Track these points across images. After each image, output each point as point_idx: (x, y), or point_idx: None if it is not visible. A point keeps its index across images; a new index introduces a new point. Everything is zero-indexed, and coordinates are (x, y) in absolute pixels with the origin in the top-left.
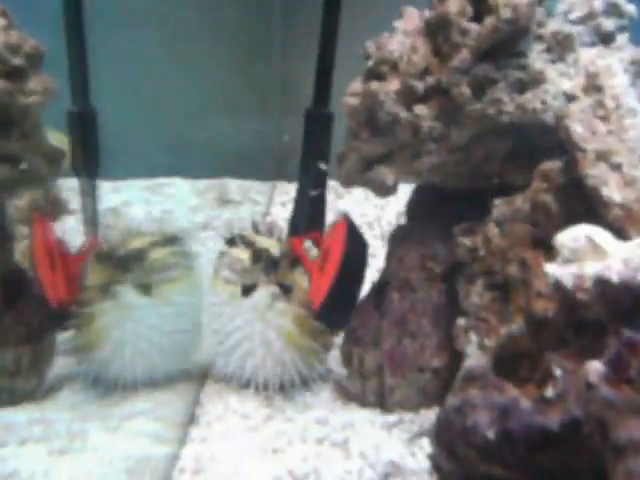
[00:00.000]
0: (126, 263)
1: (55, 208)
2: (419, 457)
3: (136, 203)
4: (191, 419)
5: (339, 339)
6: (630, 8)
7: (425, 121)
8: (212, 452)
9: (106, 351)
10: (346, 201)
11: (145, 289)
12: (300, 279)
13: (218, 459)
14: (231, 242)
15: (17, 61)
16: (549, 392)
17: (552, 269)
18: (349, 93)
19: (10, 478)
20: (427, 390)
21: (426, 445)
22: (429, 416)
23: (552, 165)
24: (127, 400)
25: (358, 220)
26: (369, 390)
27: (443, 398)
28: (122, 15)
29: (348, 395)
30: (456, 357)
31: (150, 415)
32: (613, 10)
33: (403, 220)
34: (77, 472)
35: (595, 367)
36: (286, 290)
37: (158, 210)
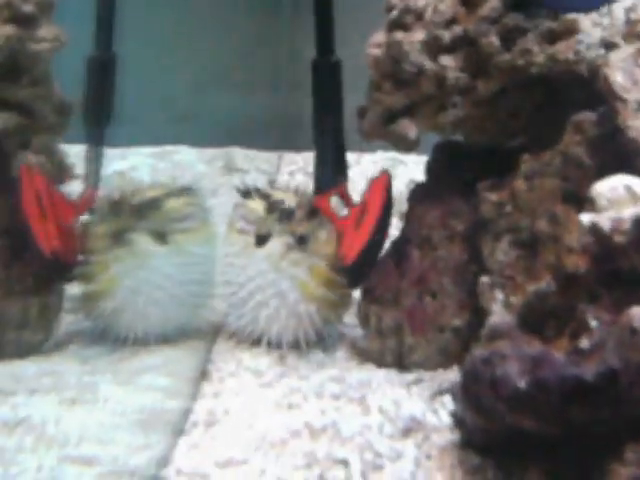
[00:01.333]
0: (141, 211)
1: (61, 172)
2: (441, 414)
3: (142, 168)
4: (202, 375)
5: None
6: None
7: (451, 72)
8: (225, 406)
9: (118, 300)
10: (353, 171)
11: (161, 237)
12: (317, 230)
13: (232, 413)
14: (246, 194)
15: (27, 8)
16: (583, 343)
17: (587, 217)
18: (372, 44)
19: (22, 424)
20: (447, 350)
21: (448, 403)
22: (449, 375)
23: (586, 116)
24: (137, 356)
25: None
26: (387, 349)
27: (464, 358)
28: None
29: (364, 355)
30: (478, 317)
31: (161, 370)
32: None
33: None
34: (89, 422)
35: None
36: (301, 240)
37: (165, 176)
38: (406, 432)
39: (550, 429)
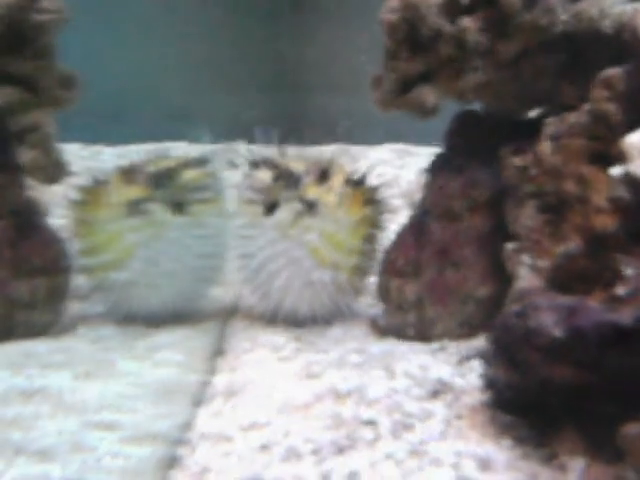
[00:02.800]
0: (157, 180)
1: (56, 170)
2: (469, 377)
3: None
4: (218, 352)
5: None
6: None
7: (470, 34)
8: (244, 379)
9: (132, 271)
10: (361, 164)
11: (178, 207)
12: (327, 195)
13: (251, 384)
14: (255, 165)
15: None
16: (619, 290)
17: (618, 170)
18: (387, 9)
19: (39, 393)
20: (471, 321)
21: (476, 367)
22: (475, 343)
23: (615, 72)
24: (150, 335)
25: (376, 180)
26: (408, 323)
27: (488, 330)
28: None
29: (384, 331)
30: (501, 287)
31: (176, 347)
32: None
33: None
34: (107, 392)
35: None
36: (310, 206)
37: None
38: (434, 394)
39: (586, 378)
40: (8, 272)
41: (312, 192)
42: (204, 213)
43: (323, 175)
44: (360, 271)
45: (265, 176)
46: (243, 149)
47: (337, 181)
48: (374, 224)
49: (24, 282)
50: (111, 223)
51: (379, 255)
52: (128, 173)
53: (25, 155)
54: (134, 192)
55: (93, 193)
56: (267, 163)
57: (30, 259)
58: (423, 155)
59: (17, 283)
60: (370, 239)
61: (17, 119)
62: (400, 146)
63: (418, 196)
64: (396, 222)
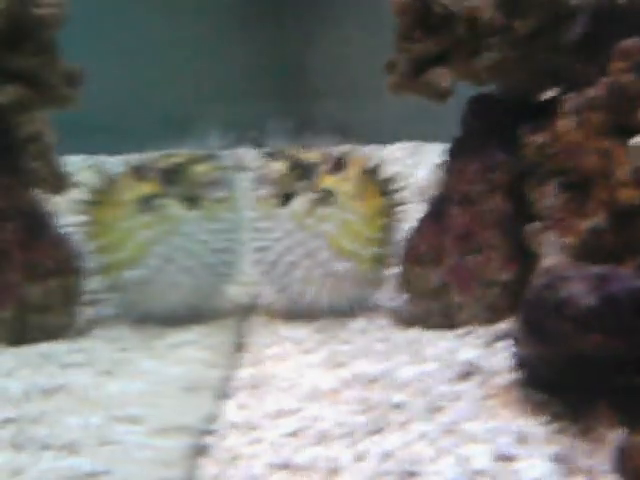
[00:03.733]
0: (168, 176)
1: (58, 180)
2: (498, 358)
3: None
4: (239, 347)
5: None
6: None
7: (484, 11)
8: (268, 372)
9: (148, 268)
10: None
11: (192, 202)
12: (343, 184)
13: (275, 376)
14: (270, 155)
15: None
16: None
17: (638, 139)
18: None
19: (62, 390)
20: (496, 306)
21: (504, 349)
22: (502, 326)
23: (632, 42)
24: (168, 333)
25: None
26: (433, 310)
27: (514, 313)
28: None
29: (408, 321)
30: (526, 269)
31: (196, 345)
32: None
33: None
34: (129, 389)
35: None
36: (326, 195)
37: None
38: (465, 376)
39: (620, 346)
40: (20, 275)
41: (328, 181)
42: (217, 207)
43: (338, 164)
44: (379, 261)
45: (280, 166)
46: (249, 154)
47: (353, 171)
48: (390, 214)
49: (37, 285)
50: (124, 221)
51: (398, 245)
52: (138, 171)
53: (27, 166)
54: (146, 188)
55: (104, 193)
56: (281, 154)
57: (42, 261)
58: (434, 152)
59: (30, 286)
60: (387, 229)
61: (19, 126)
62: (412, 144)
63: (431, 193)
64: (410, 219)
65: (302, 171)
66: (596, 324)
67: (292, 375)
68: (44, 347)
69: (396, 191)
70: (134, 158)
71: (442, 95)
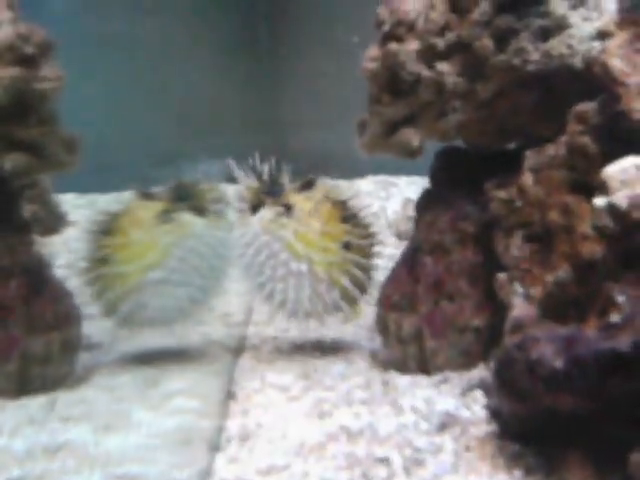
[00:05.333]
0: (177, 193)
1: (54, 221)
2: (474, 408)
3: None
4: (228, 395)
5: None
6: None
7: (449, 77)
8: (256, 421)
9: (168, 269)
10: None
11: (200, 211)
12: (303, 202)
13: (264, 426)
14: (245, 178)
15: (29, 50)
16: (614, 318)
17: (601, 200)
18: (367, 58)
19: (64, 447)
20: (470, 351)
21: (480, 397)
22: (476, 373)
23: (587, 106)
24: (162, 381)
25: (363, 211)
26: (409, 356)
27: (487, 358)
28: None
29: (386, 364)
30: (497, 316)
31: (188, 393)
32: None
33: (410, 207)
34: (127, 444)
35: None
36: (287, 208)
37: None
38: (442, 427)
39: (588, 406)
40: (23, 329)
41: (292, 198)
42: (219, 218)
43: (305, 185)
44: (340, 269)
45: (253, 184)
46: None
47: (318, 193)
48: (353, 235)
49: (38, 338)
50: (147, 233)
51: (373, 277)
52: (146, 195)
53: (25, 210)
54: (160, 206)
55: (115, 220)
56: (256, 176)
57: (43, 315)
58: (404, 185)
59: (32, 339)
60: (349, 247)
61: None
62: (382, 177)
63: (404, 226)
64: (385, 254)
65: (272, 189)
66: (565, 385)
67: (279, 426)
68: (45, 399)
69: (361, 218)
70: (124, 196)
71: (412, 154)
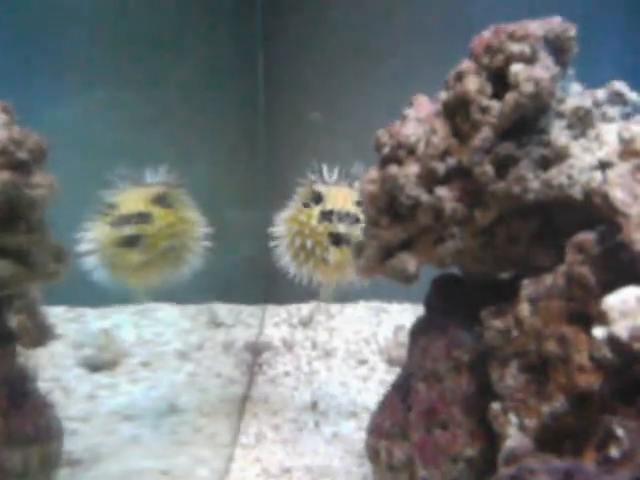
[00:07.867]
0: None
1: (41, 333)
2: None
3: (125, 326)
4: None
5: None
6: (634, 96)
7: (447, 203)
8: None
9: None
10: (337, 321)
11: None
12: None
13: None
14: None
15: (22, 155)
16: (613, 452)
17: (600, 331)
18: (366, 180)
19: None
20: None
21: None
22: None
23: (587, 236)
24: None
25: (353, 337)
26: None
27: None
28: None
29: None
30: (490, 446)
31: None
32: (617, 99)
33: (401, 334)
34: None
35: None
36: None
37: (149, 332)
38: None
39: None
40: (0, 442)
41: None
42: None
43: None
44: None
45: None
46: (224, 309)
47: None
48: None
49: (17, 452)
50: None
51: None
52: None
53: (11, 320)
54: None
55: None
56: None
57: (22, 428)
58: (396, 312)
59: (10, 453)
60: None
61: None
62: (375, 303)
63: (395, 353)
64: (375, 379)
65: None
66: None
67: None
68: None
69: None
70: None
71: (408, 279)
